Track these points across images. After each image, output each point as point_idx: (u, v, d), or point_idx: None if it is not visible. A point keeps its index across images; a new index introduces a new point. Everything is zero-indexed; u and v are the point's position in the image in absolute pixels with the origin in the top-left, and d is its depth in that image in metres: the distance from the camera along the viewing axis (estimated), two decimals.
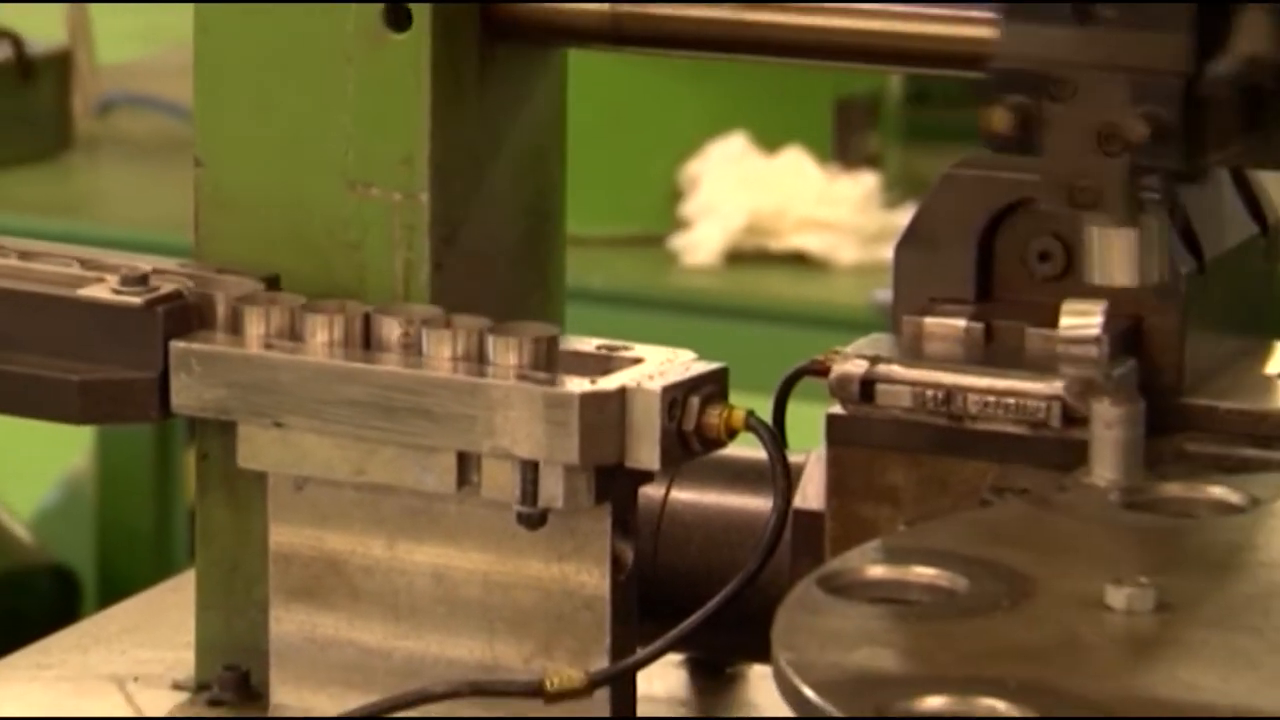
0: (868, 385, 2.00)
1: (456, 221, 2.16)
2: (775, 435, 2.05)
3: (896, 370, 2.02)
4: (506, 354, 2.02)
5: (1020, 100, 1.85)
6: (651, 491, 2.12)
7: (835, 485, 2.06)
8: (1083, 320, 1.96)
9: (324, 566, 2.09)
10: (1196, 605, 1.72)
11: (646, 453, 2.00)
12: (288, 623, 2.11)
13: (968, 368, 2.03)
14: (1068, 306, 1.97)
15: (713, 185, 4.76)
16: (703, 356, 2.06)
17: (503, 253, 2.22)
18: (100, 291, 2.11)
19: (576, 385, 1.99)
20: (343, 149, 2.15)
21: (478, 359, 2.03)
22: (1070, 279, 2.02)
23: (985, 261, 2.07)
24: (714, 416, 2.01)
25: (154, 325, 2.08)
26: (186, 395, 2.08)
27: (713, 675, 2.26)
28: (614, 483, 2.02)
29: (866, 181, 4.89)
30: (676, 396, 2.00)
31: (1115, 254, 1.88)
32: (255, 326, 2.08)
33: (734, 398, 2.04)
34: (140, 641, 2.33)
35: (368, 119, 2.15)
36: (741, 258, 4.74)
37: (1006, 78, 1.86)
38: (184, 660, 2.22)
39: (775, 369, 2.15)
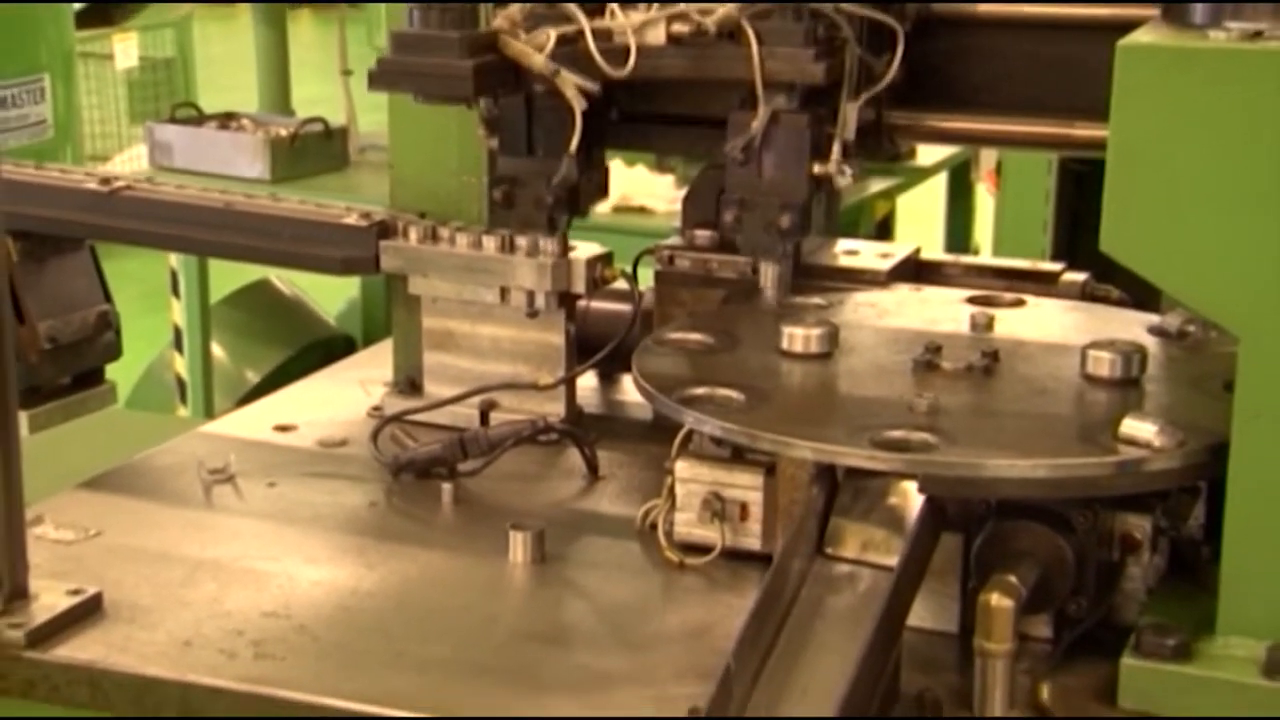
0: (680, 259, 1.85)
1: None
2: (633, 280, 1.92)
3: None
4: (521, 244, 1.88)
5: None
6: (582, 303, 1.97)
7: (659, 300, 1.94)
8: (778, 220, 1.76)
9: (445, 335, 1.95)
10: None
11: (580, 287, 1.88)
12: (430, 359, 1.97)
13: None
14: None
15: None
16: (602, 247, 1.92)
17: None
18: (349, 220, 1.96)
19: (549, 259, 1.87)
20: (451, 158, 1.99)
21: (510, 248, 1.88)
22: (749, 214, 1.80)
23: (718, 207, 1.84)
24: (608, 271, 1.89)
25: (372, 234, 1.93)
26: (387, 263, 1.93)
27: (607, 379, 2.12)
28: (566, 299, 1.89)
29: (668, 179, 4.75)
30: (592, 262, 1.88)
31: None
32: (413, 234, 1.93)
33: (616, 264, 1.91)
34: (374, 366, 2.17)
35: (462, 145, 1.98)
36: (618, 209, 4.60)
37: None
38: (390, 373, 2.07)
39: (632, 253, 2.01)
